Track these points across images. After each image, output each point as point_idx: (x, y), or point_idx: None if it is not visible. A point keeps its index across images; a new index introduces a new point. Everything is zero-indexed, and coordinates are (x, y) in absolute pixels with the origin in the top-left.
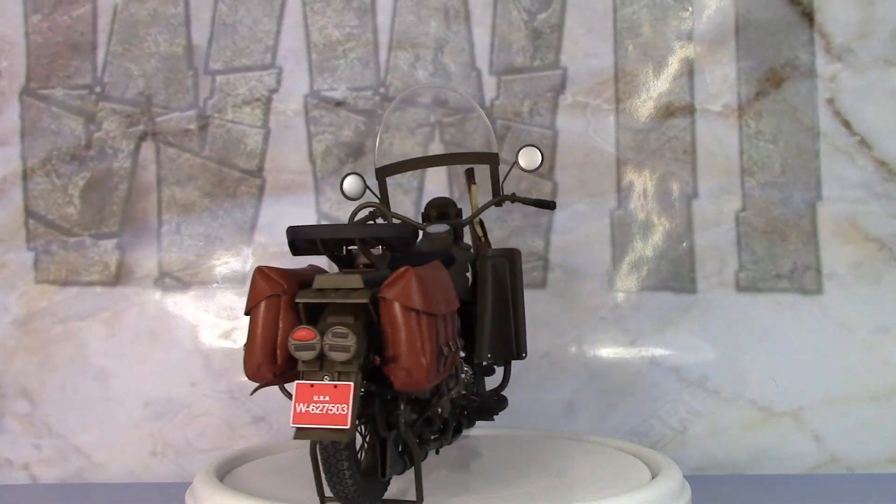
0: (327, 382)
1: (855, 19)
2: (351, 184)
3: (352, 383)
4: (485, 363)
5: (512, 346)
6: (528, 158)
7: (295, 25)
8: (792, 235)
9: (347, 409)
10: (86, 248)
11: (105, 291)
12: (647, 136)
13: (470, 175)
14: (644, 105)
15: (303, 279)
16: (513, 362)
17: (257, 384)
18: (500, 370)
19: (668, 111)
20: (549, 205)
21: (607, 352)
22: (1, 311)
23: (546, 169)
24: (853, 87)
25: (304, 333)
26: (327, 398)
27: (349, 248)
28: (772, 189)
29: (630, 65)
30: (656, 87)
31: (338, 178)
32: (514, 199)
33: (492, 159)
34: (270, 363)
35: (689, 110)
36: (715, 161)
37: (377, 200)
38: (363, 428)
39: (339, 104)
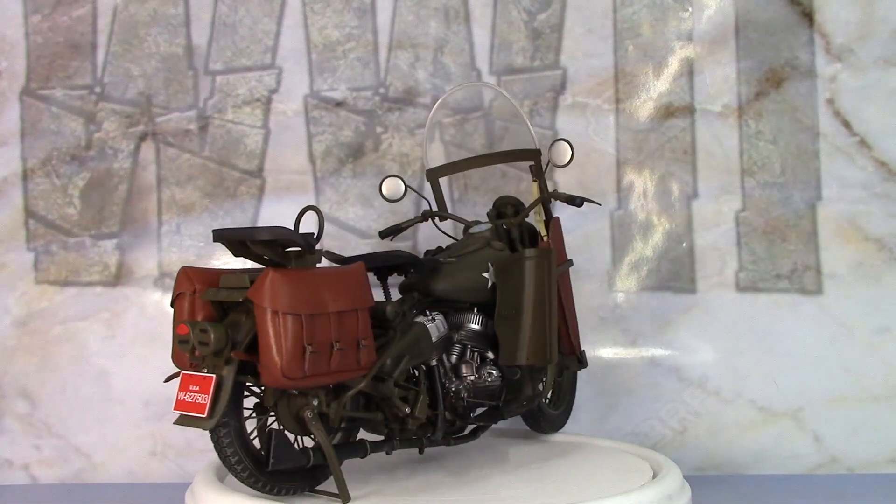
0: (199, 374)
1: (855, 19)
2: (390, 186)
3: (213, 376)
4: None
5: (547, 350)
6: (558, 153)
7: (295, 25)
8: (792, 235)
9: (207, 399)
10: (86, 248)
11: (105, 292)
12: (646, 136)
13: (536, 172)
14: (644, 105)
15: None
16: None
17: (177, 371)
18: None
19: (667, 111)
20: (575, 201)
21: (607, 352)
22: (1, 312)
23: (547, 169)
24: (853, 87)
25: (181, 329)
26: (198, 388)
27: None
28: (772, 189)
29: (630, 65)
30: (656, 88)
31: (338, 179)
32: (556, 196)
33: (534, 156)
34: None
35: (689, 110)
36: (715, 161)
37: (427, 201)
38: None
39: (339, 104)
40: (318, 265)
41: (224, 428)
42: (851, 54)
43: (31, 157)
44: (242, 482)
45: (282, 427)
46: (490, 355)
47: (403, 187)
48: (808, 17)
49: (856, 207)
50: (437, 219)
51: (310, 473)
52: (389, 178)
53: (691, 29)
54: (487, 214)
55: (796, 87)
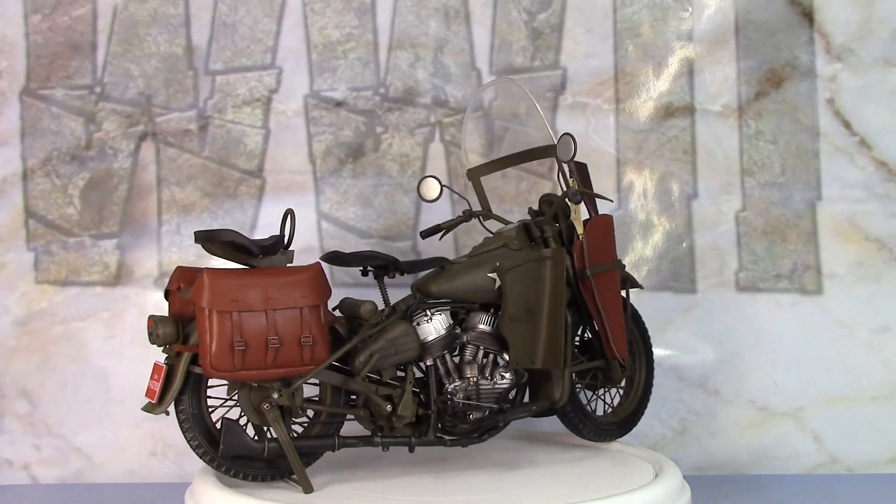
0: (160, 363)
1: (855, 19)
2: (428, 186)
3: (164, 365)
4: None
5: (560, 352)
6: (562, 147)
7: (295, 25)
8: (792, 235)
9: (158, 386)
10: (86, 248)
11: (105, 291)
12: (647, 136)
13: (580, 171)
14: (644, 105)
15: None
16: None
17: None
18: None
19: (667, 111)
20: (575, 198)
21: None
22: (1, 312)
23: (546, 168)
24: (853, 87)
25: (148, 323)
26: (157, 377)
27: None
28: (772, 189)
29: (630, 65)
30: (656, 88)
31: (338, 178)
32: (565, 194)
33: (554, 152)
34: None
35: (689, 110)
36: (715, 161)
37: (467, 201)
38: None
39: (339, 104)
40: (290, 265)
41: (182, 414)
42: (851, 54)
43: (31, 157)
44: (206, 464)
45: (243, 416)
46: (506, 357)
47: (439, 188)
48: (808, 17)
49: (856, 207)
50: (480, 218)
51: (274, 462)
52: (427, 179)
53: (691, 29)
54: (528, 212)
55: (796, 87)
